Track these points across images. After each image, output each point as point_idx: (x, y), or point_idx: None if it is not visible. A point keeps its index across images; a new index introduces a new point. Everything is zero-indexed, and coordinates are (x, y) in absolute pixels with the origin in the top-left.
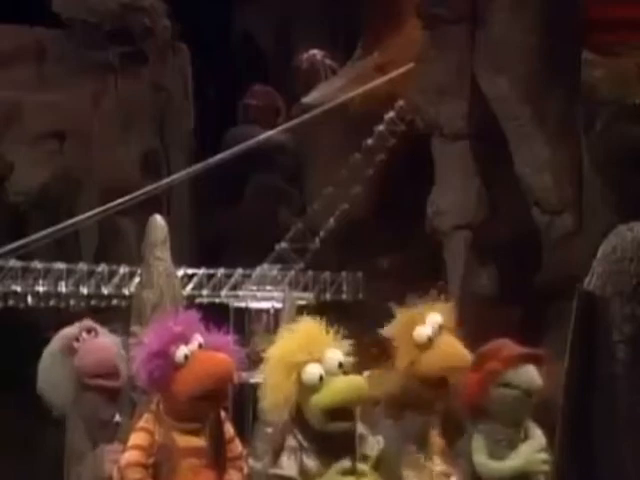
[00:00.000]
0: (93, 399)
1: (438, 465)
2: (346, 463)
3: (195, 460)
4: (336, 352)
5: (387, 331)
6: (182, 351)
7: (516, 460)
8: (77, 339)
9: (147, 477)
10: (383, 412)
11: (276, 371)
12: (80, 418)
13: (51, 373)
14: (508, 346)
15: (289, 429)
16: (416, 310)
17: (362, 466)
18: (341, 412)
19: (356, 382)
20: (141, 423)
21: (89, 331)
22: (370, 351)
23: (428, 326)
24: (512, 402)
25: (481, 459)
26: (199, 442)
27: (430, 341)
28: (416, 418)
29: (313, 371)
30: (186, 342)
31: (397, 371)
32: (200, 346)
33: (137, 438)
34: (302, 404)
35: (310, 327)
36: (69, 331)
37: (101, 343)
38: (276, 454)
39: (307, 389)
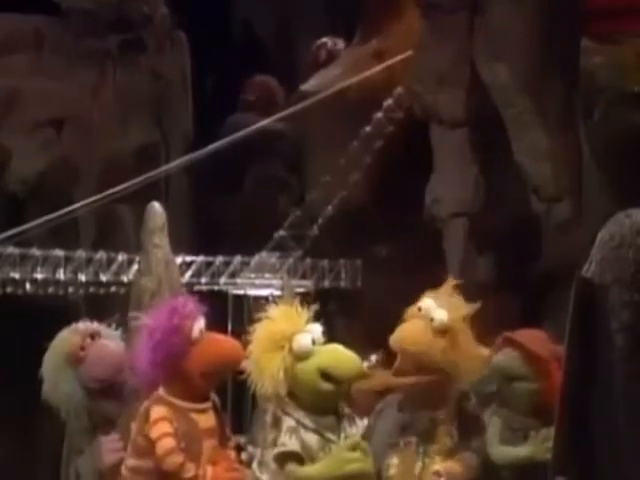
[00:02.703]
0: (101, 401)
1: (435, 464)
2: (355, 439)
3: (214, 440)
4: (317, 325)
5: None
6: (198, 326)
7: (524, 448)
8: (82, 348)
9: (187, 461)
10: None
11: (266, 349)
12: (87, 418)
13: (58, 384)
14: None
15: (284, 411)
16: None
17: (364, 443)
18: (334, 376)
19: (351, 354)
20: (155, 415)
21: (92, 336)
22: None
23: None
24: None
25: (492, 443)
26: (213, 422)
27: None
28: (423, 412)
29: (304, 339)
30: (196, 320)
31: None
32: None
33: (161, 428)
34: (296, 373)
35: (284, 308)
36: (72, 340)
37: (106, 347)
38: (273, 440)
39: (300, 357)
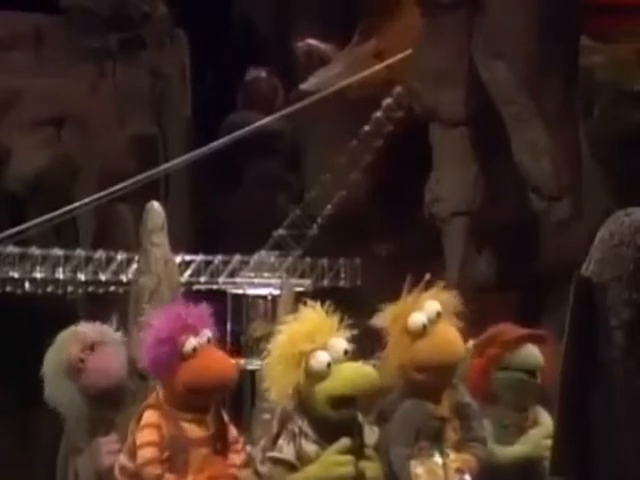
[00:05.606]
0: (101, 406)
1: (453, 462)
2: (345, 442)
3: (205, 449)
4: (340, 340)
5: (378, 321)
6: (191, 343)
7: (523, 446)
8: (82, 360)
9: (165, 472)
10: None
11: (281, 360)
12: (85, 420)
13: (58, 392)
14: (507, 329)
15: (290, 416)
16: (411, 298)
17: (369, 450)
18: (347, 400)
19: (365, 370)
20: (145, 420)
21: (92, 347)
22: (362, 343)
23: (424, 314)
24: (515, 385)
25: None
26: (207, 431)
27: (425, 329)
28: (427, 413)
29: (321, 359)
30: (195, 334)
31: (390, 362)
32: (209, 341)
33: (146, 435)
34: (308, 392)
35: (313, 315)
36: (71, 351)
37: (106, 358)
38: (273, 440)
39: (314, 377)
